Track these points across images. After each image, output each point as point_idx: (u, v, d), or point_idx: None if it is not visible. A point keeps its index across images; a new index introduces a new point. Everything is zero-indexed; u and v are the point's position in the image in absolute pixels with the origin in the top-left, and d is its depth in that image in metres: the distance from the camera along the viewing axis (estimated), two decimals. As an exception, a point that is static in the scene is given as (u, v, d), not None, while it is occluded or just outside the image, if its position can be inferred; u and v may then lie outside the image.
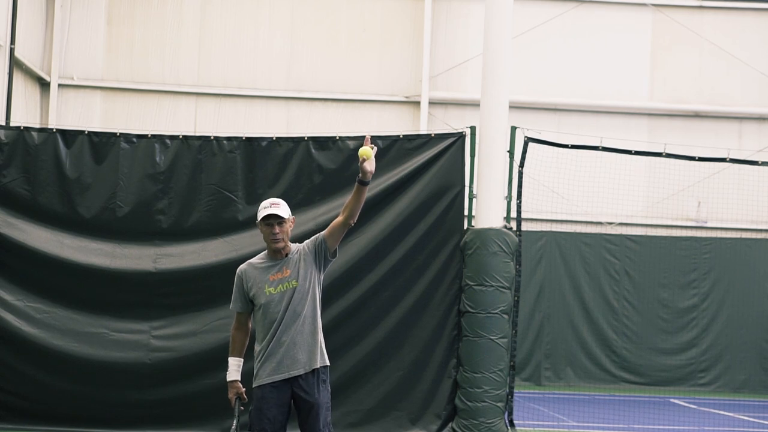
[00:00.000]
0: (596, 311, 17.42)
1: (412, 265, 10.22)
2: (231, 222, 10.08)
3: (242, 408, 6.16)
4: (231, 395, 6.12)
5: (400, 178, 10.20)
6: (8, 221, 9.91)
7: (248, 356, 6.24)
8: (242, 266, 6.20)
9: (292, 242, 6.21)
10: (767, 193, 17.08)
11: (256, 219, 6.15)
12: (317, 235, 6.18)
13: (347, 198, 6.06)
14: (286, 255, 6.11)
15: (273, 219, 6.05)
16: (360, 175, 5.95)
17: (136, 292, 9.87)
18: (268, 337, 6.02)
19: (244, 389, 6.13)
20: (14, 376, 9.81)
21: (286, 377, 6.01)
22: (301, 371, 6.01)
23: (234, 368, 6.14)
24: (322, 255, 6.12)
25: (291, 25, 18.78)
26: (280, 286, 6.03)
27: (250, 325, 6.24)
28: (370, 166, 5.92)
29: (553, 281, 17.45)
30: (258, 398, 6.04)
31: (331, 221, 6.21)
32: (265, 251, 6.21)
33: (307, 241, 6.19)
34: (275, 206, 6.08)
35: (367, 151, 5.92)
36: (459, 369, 10.22)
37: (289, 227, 6.12)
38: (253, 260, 6.21)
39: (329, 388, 6.18)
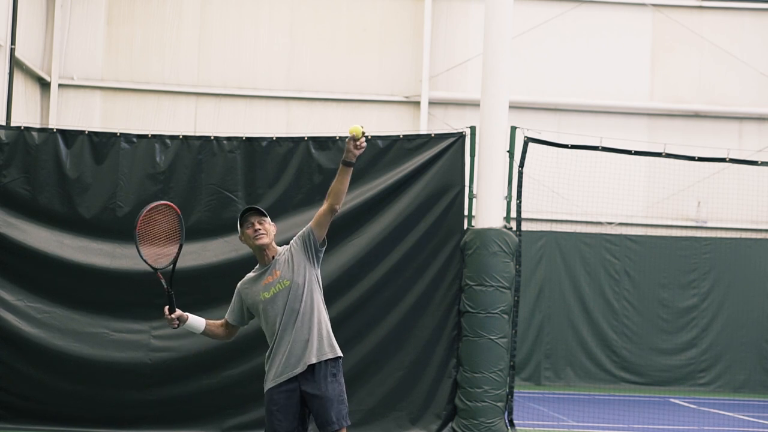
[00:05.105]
0: (596, 311, 17.41)
1: (412, 265, 10.21)
2: (231, 222, 10.02)
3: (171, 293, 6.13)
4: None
5: (400, 178, 10.20)
6: (8, 221, 9.91)
7: (254, 354, 6.22)
8: (240, 283, 6.23)
9: (286, 243, 6.20)
10: (767, 193, 17.07)
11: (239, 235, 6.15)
12: (304, 228, 6.14)
13: (346, 198, 6.00)
14: (273, 257, 6.10)
15: (251, 215, 6.07)
16: (345, 154, 5.87)
17: (136, 292, 9.84)
18: (273, 341, 6.02)
19: (177, 313, 6.08)
20: (14, 376, 9.81)
21: (290, 377, 5.97)
22: (304, 368, 5.96)
23: (193, 316, 6.16)
24: (312, 246, 6.07)
25: (291, 25, 18.78)
26: (273, 288, 6.03)
27: (231, 333, 6.34)
28: (357, 148, 5.81)
29: (553, 281, 17.44)
30: (268, 401, 6.02)
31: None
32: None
33: (294, 237, 6.16)
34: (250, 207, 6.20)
35: (358, 129, 5.73)
36: (459, 369, 10.22)
37: (270, 227, 6.10)
38: (248, 275, 6.23)
39: (341, 380, 6.07)
